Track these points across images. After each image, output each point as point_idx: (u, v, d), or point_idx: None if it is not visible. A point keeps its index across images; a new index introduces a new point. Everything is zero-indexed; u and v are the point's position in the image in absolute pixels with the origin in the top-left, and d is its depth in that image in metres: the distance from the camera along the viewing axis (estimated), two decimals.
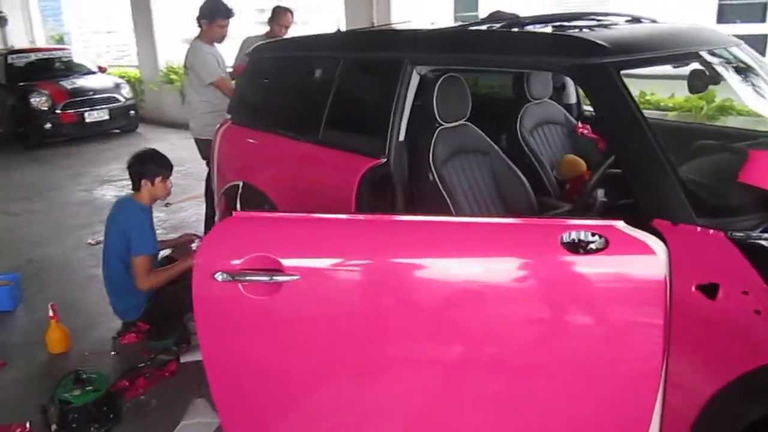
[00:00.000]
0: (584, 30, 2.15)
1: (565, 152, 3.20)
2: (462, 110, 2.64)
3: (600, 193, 2.13)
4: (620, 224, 1.66)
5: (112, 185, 6.74)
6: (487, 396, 1.75)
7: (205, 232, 4.11)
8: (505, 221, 1.73)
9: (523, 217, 1.76)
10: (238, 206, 3.15)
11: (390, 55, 2.53)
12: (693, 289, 1.57)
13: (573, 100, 3.39)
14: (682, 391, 1.64)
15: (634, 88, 5.35)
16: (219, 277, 1.65)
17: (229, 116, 3.47)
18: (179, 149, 6.99)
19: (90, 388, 2.56)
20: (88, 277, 4.25)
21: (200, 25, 4.15)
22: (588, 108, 3.61)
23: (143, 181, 3.23)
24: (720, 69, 2.27)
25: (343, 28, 3.20)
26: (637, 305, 1.65)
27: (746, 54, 2.37)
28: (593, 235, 1.65)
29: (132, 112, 9.42)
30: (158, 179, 3.26)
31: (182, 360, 3.04)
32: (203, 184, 5.01)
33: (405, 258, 1.70)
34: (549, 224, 1.71)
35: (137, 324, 3.32)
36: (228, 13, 4.19)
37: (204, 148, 4.47)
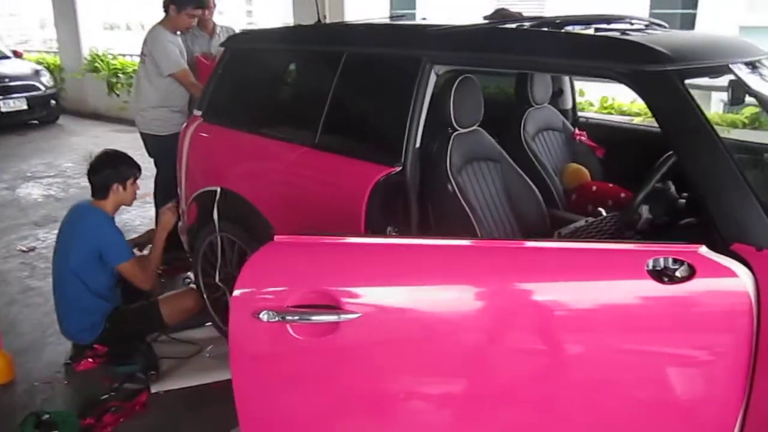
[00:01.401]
0: (627, 34, 1.99)
1: (565, 159, 3.07)
2: (477, 115, 2.45)
3: (645, 210, 2.00)
4: (703, 249, 1.53)
5: (38, 183, 6.11)
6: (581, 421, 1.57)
7: None
8: (589, 246, 1.55)
9: (606, 241, 1.58)
10: (215, 215, 2.82)
11: (405, 52, 2.29)
12: None
13: (569, 105, 3.26)
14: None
15: (597, 92, 5.30)
16: (264, 316, 1.36)
17: (198, 113, 3.11)
18: (106, 143, 6.44)
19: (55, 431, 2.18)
20: (23, 289, 3.76)
21: (167, 11, 3.72)
22: (583, 114, 3.51)
23: (114, 186, 2.84)
24: (752, 79, 2.18)
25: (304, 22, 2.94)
26: (723, 334, 1.53)
27: None
28: (675, 262, 1.52)
29: (53, 101, 8.64)
30: (129, 181, 2.90)
31: (153, 390, 2.68)
32: (147, 183, 4.56)
33: (490, 286, 1.47)
34: (633, 250, 1.54)
35: (94, 347, 2.92)
36: (200, 3, 3.78)
37: (152, 144, 4.05)
